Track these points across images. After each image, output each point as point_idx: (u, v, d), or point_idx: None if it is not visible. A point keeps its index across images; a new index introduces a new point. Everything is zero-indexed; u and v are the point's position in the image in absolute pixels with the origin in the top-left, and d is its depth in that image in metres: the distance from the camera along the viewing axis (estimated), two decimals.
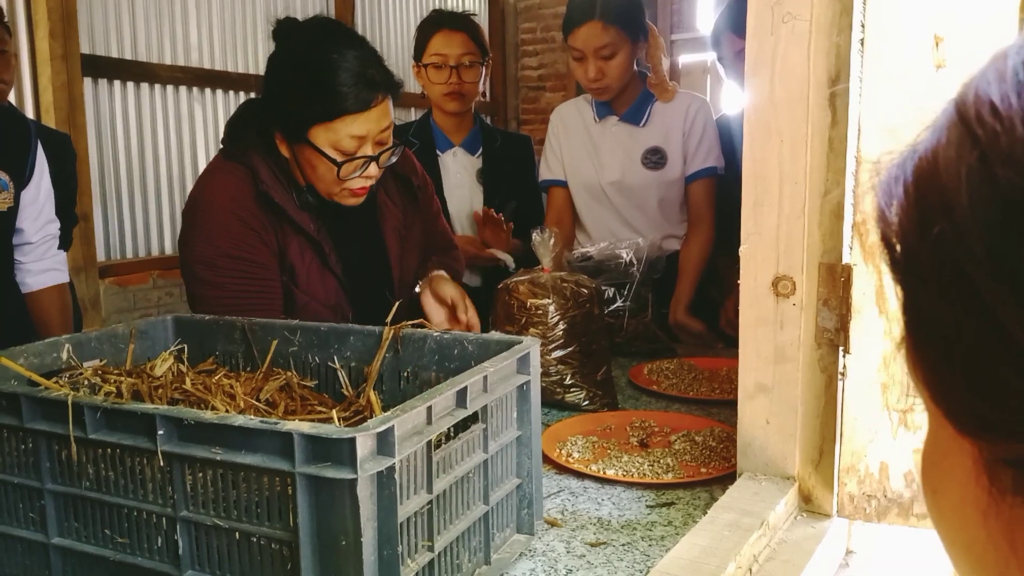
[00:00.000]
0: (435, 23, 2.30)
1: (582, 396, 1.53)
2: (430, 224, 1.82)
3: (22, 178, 1.96)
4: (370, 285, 1.63)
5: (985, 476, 0.32)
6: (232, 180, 1.48)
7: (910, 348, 0.35)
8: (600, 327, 1.59)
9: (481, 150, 2.42)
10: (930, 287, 0.32)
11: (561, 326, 1.52)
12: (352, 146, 1.42)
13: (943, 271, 0.31)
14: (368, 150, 1.44)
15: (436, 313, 1.56)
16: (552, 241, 1.62)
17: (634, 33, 2.11)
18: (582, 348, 1.54)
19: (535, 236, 1.63)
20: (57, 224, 2.11)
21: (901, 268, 0.34)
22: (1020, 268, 0.28)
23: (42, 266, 2.06)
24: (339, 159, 1.42)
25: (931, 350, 0.33)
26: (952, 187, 0.30)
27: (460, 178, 2.43)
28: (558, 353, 1.53)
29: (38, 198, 2.02)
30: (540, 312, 1.52)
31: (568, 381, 1.53)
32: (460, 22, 2.31)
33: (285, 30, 1.48)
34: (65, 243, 2.55)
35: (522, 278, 1.58)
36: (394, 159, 1.52)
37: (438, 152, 2.41)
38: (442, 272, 1.66)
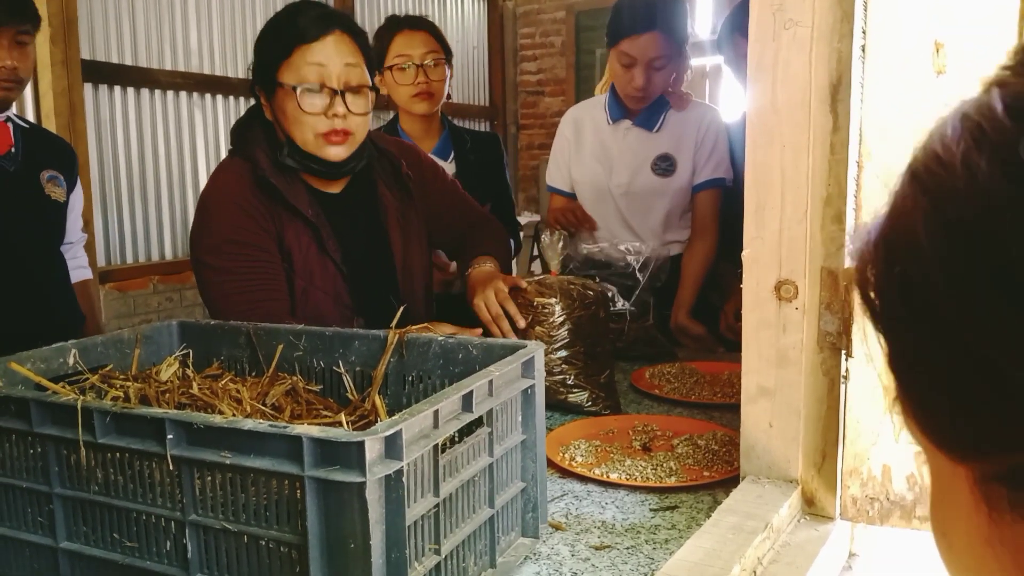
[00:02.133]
0: (394, 26, 2.25)
1: (584, 397, 1.54)
2: (448, 200, 1.83)
3: (71, 182, 2.21)
4: (373, 275, 1.66)
5: (983, 502, 0.34)
6: (233, 174, 1.56)
7: (900, 393, 0.38)
8: (605, 330, 1.60)
9: (453, 154, 2.34)
10: (905, 325, 0.35)
11: (566, 326, 1.53)
12: (313, 76, 1.48)
13: (913, 307, 0.34)
14: (333, 84, 1.50)
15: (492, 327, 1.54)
16: (560, 244, 1.64)
17: (682, 46, 2.16)
18: (586, 350, 1.55)
19: (544, 238, 1.65)
20: (83, 232, 2.40)
21: (881, 316, 0.37)
22: (977, 293, 0.31)
23: (75, 264, 2.31)
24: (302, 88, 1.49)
25: (915, 385, 0.36)
26: (910, 231, 0.34)
27: None
28: (562, 353, 1.54)
29: (78, 204, 2.28)
30: (546, 311, 1.53)
31: (571, 381, 1.54)
32: (419, 22, 2.27)
33: None
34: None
35: (530, 279, 1.61)
36: (367, 109, 1.54)
37: None
38: (490, 268, 1.66)
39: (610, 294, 1.83)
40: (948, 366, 0.33)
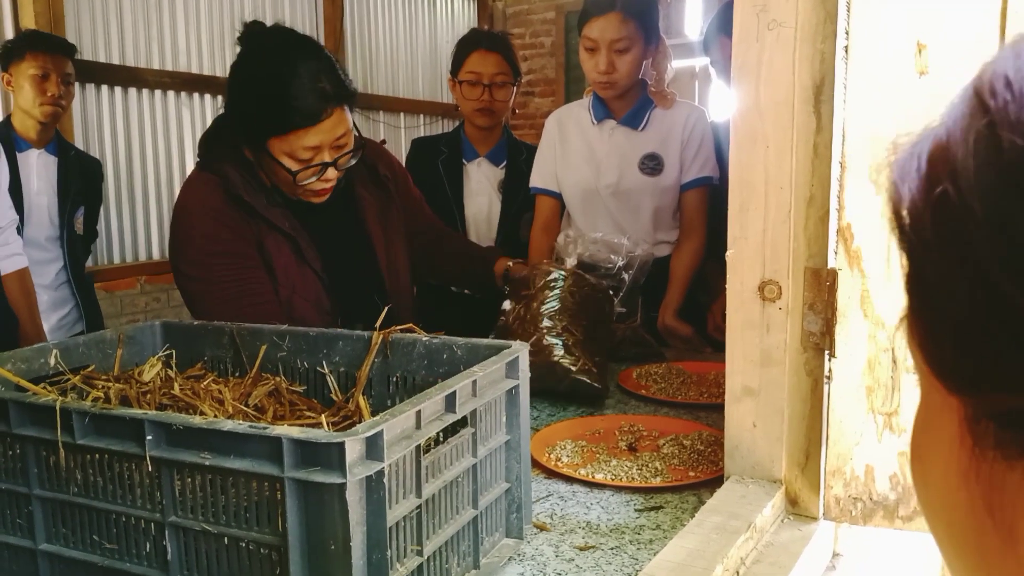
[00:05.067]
0: (473, 42, 2.49)
1: (573, 363, 1.56)
2: (419, 205, 1.93)
3: None
4: (358, 276, 1.67)
5: (969, 436, 0.34)
6: (205, 187, 1.54)
7: (911, 314, 0.37)
8: (605, 324, 1.64)
9: (505, 162, 2.56)
10: (931, 249, 0.34)
11: (573, 297, 1.62)
12: (307, 155, 1.47)
13: (943, 231, 0.33)
14: (325, 156, 1.49)
15: None
16: (579, 241, 1.70)
17: (648, 33, 2.13)
18: (587, 325, 1.61)
19: (560, 239, 1.69)
20: (14, 211, 2.24)
21: (907, 235, 0.35)
22: (1014, 230, 0.29)
23: (7, 251, 2.19)
24: (295, 168, 1.47)
25: (928, 311, 0.35)
26: (959, 152, 0.32)
27: (480, 186, 2.56)
28: (564, 322, 1.60)
29: (2, 186, 2.13)
30: (553, 281, 1.63)
31: (569, 343, 1.58)
32: (496, 43, 2.48)
33: (247, 37, 1.53)
34: (85, 254, 2.79)
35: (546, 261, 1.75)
36: (352, 162, 1.56)
37: (464, 161, 2.56)
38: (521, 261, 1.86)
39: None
40: (965, 298, 0.32)
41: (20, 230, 2.69)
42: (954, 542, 0.36)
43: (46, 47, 2.80)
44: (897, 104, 0.95)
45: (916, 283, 0.36)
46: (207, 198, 1.52)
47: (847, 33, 0.97)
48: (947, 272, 0.33)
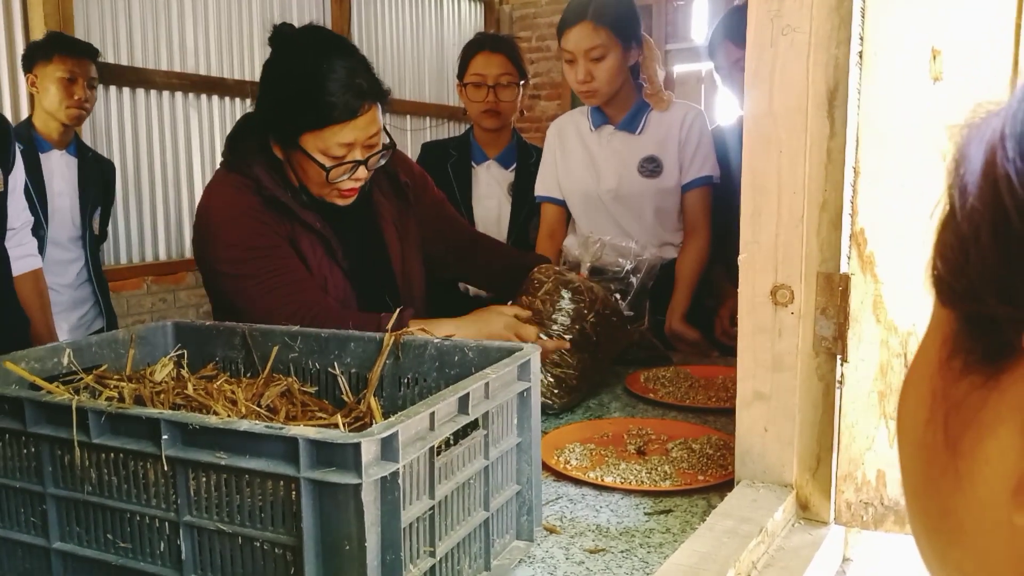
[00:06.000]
0: (477, 45, 2.50)
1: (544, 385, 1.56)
2: (437, 211, 1.87)
3: (8, 165, 2.05)
4: (373, 280, 1.67)
5: (946, 348, 0.36)
6: (234, 188, 1.54)
7: (938, 236, 0.37)
8: (587, 334, 1.61)
9: (515, 165, 2.57)
10: (983, 211, 0.33)
11: (563, 317, 1.59)
12: (341, 152, 1.48)
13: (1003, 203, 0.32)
14: (357, 154, 1.50)
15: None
16: (597, 246, 1.67)
17: (626, 38, 2.12)
18: (574, 339, 1.58)
19: (573, 240, 1.68)
20: (29, 212, 2.22)
21: (959, 189, 0.35)
22: None
23: (21, 252, 2.17)
24: (328, 164, 1.47)
25: (954, 233, 0.35)
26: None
27: (490, 189, 2.57)
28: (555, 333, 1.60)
29: (18, 186, 2.11)
30: (546, 292, 1.60)
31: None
32: (500, 44, 2.50)
33: (279, 37, 1.53)
34: (95, 253, 2.82)
35: (556, 268, 1.71)
36: (383, 162, 1.57)
37: (473, 164, 2.57)
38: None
39: (614, 299, 1.86)
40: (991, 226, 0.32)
41: (44, 232, 2.72)
42: (912, 461, 0.38)
43: (72, 50, 2.82)
44: (911, 110, 0.95)
45: (954, 207, 0.35)
46: (238, 199, 1.52)
47: (861, 39, 0.97)
48: (983, 199, 0.33)
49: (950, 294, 0.35)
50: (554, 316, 1.59)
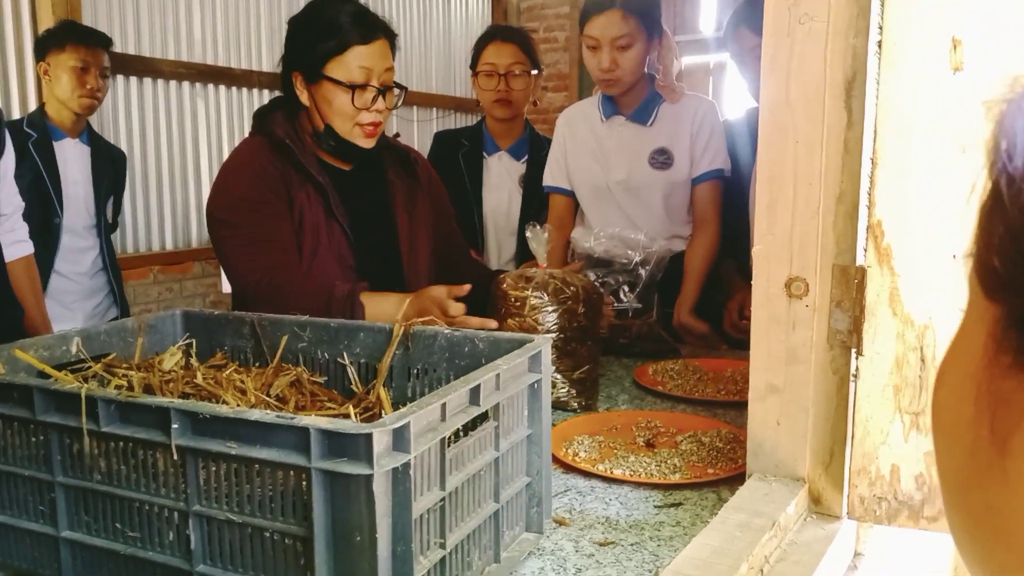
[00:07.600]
0: (489, 35, 2.53)
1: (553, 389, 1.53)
2: (448, 213, 2.00)
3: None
4: (377, 249, 1.77)
5: (992, 344, 0.34)
6: (251, 146, 1.72)
7: (981, 224, 0.36)
8: (584, 326, 1.57)
9: (527, 156, 2.56)
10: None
11: (539, 319, 1.54)
12: (362, 77, 1.64)
13: None
14: (375, 83, 1.66)
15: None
16: (546, 236, 1.63)
17: (651, 28, 2.12)
18: (559, 344, 1.53)
19: (529, 232, 1.64)
20: (20, 197, 2.21)
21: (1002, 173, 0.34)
22: None
23: (12, 237, 2.16)
24: (355, 83, 1.64)
25: (1002, 221, 0.34)
26: None
27: (501, 180, 2.56)
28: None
29: (9, 172, 2.10)
30: (518, 304, 1.55)
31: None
32: (511, 35, 2.51)
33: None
34: (109, 241, 2.82)
35: (515, 271, 1.65)
36: (399, 102, 1.75)
37: (484, 154, 2.57)
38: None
39: (622, 291, 1.83)
40: None
41: (60, 220, 2.73)
42: (953, 456, 0.37)
43: (86, 39, 2.81)
44: (931, 100, 0.93)
45: (993, 200, 0.35)
46: (251, 156, 1.69)
47: (880, 28, 0.96)
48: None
49: (1000, 288, 0.34)
50: (543, 323, 1.55)
